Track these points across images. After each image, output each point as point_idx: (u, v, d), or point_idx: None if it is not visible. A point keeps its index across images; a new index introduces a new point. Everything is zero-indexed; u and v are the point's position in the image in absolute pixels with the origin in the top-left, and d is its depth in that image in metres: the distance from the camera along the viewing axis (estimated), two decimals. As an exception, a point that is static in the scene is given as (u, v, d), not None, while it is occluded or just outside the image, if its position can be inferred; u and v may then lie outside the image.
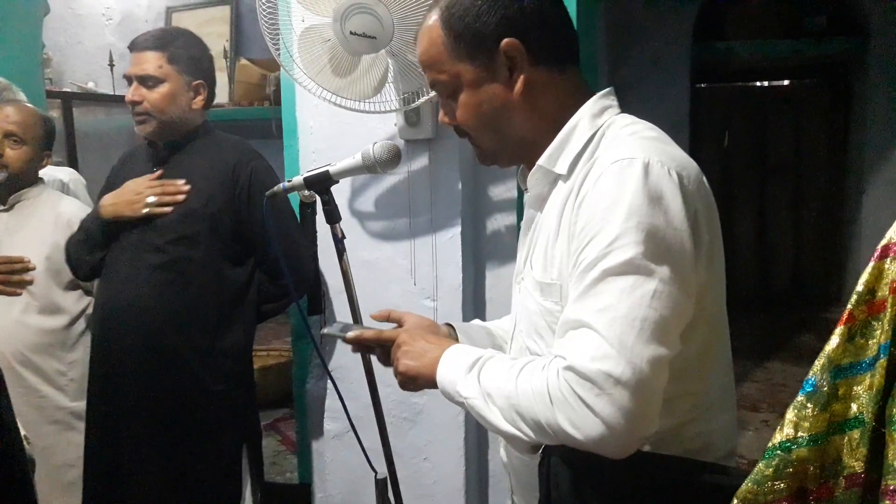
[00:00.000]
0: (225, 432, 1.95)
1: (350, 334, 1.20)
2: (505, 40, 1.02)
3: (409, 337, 1.13)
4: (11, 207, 2.17)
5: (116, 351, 1.90)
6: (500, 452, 1.23)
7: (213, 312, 1.91)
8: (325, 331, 1.26)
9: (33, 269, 2.07)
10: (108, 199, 1.93)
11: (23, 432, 1.65)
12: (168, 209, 1.88)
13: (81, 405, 2.12)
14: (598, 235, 0.90)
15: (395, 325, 1.27)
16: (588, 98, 1.07)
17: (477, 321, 1.35)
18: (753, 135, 6.34)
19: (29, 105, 2.25)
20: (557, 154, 1.05)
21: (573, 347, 0.88)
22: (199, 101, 1.96)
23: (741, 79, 6.37)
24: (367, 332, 1.20)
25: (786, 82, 6.38)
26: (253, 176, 1.93)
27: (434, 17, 1.07)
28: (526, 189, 1.13)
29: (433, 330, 1.24)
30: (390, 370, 1.15)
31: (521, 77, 1.03)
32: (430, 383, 1.07)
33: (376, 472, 1.48)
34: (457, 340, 1.27)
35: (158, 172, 1.93)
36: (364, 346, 1.23)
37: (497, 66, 1.04)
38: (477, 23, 1.03)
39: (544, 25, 1.04)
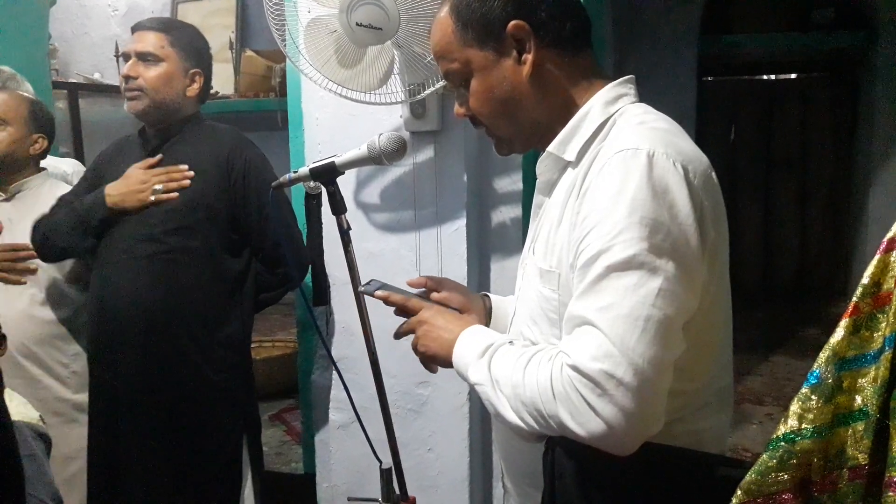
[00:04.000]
0: (225, 422, 1.94)
1: (378, 292, 1.22)
2: (512, 22, 1.02)
3: (430, 314, 1.14)
4: (12, 197, 2.16)
5: (113, 342, 1.90)
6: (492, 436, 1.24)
7: (211, 302, 1.91)
8: (361, 288, 1.30)
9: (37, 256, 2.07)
10: (115, 189, 1.92)
11: (37, 413, 1.66)
12: (175, 195, 1.88)
13: (84, 397, 2.12)
14: (600, 226, 0.89)
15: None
16: (602, 82, 1.07)
17: (511, 296, 1.35)
18: (760, 128, 6.31)
19: (14, 91, 2.23)
20: (568, 140, 1.04)
21: (576, 345, 0.88)
22: (194, 88, 1.97)
23: (748, 72, 6.35)
24: (394, 296, 1.21)
25: (793, 76, 6.37)
26: (248, 165, 1.93)
27: (445, 9, 1.08)
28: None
29: (468, 300, 1.26)
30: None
31: (530, 59, 1.03)
32: (447, 364, 1.09)
33: (381, 463, 1.48)
34: (489, 312, 1.28)
35: (159, 157, 1.93)
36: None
37: (506, 49, 1.04)
38: (484, 7, 1.04)
39: (552, 7, 1.04)
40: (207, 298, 1.90)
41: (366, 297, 1.31)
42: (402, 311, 1.21)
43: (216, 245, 1.91)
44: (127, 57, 1.93)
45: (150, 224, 1.88)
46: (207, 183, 1.90)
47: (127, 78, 1.91)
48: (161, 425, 1.89)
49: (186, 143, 1.97)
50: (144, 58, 1.90)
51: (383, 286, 1.24)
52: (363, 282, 1.34)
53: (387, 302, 1.21)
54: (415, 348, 1.15)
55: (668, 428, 0.94)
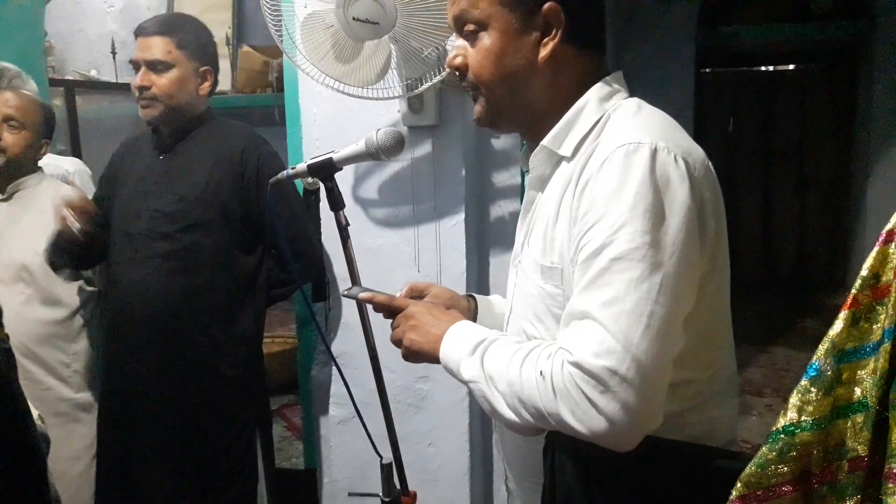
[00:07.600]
0: (239, 416, 1.97)
1: (362, 294, 1.21)
2: (549, 4, 1.01)
3: (417, 310, 1.13)
4: (10, 197, 2.14)
5: (129, 338, 1.91)
6: (493, 437, 1.24)
7: (225, 299, 1.92)
8: (344, 292, 1.29)
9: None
10: None
11: (36, 412, 1.66)
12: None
13: (86, 396, 2.13)
14: (602, 221, 0.89)
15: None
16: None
17: (496, 296, 1.34)
18: (758, 119, 6.31)
19: (28, 92, 2.24)
20: (563, 135, 1.04)
21: (577, 341, 0.88)
22: (205, 87, 1.98)
23: (746, 63, 6.34)
24: (378, 297, 1.19)
25: (791, 66, 6.35)
26: (261, 162, 1.94)
27: None
28: (528, 170, 1.12)
29: (453, 302, 1.25)
30: (395, 357, 1.15)
31: (552, 45, 1.02)
32: (434, 360, 1.07)
33: (381, 457, 1.48)
34: (475, 313, 1.28)
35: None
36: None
37: (534, 24, 1.03)
38: None
39: (587, 4, 1.04)
40: (221, 295, 1.92)
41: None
42: (388, 311, 1.19)
43: (230, 242, 1.92)
44: (136, 65, 1.92)
45: (164, 222, 1.89)
46: (221, 181, 1.91)
47: (140, 88, 1.90)
48: (176, 421, 1.90)
49: (200, 140, 1.97)
50: (154, 66, 1.89)
51: (365, 289, 1.23)
52: (354, 283, 1.33)
53: (371, 301, 1.19)
54: (399, 343, 1.13)
55: (682, 417, 0.95)
